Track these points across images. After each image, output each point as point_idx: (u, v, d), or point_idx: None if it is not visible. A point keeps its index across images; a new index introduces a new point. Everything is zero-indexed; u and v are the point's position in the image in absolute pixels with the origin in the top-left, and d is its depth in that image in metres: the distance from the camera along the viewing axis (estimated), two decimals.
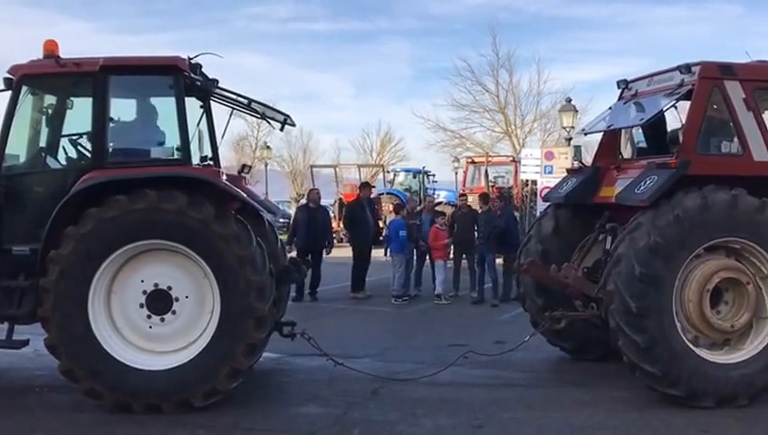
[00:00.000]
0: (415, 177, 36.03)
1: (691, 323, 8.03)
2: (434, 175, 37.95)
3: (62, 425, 7.37)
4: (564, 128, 21.28)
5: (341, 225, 21.01)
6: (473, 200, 20.44)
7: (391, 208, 22.32)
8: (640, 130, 9.90)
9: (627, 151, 10.24)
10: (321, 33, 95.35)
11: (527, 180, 21.10)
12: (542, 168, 18.32)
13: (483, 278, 15.64)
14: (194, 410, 7.53)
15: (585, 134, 11.16)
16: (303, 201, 18.00)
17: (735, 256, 8.29)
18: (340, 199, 29.05)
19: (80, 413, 7.59)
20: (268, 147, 42.67)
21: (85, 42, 78.46)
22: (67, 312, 7.54)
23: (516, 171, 26.59)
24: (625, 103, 9.74)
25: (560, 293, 9.35)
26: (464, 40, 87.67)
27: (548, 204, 16.72)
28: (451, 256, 16.33)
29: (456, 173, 42.07)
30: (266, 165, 41.79)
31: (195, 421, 7.35)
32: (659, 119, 9.14)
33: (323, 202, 17.32)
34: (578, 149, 11.14)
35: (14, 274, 8.07)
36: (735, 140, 8.60)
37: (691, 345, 7.99)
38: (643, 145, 10.01)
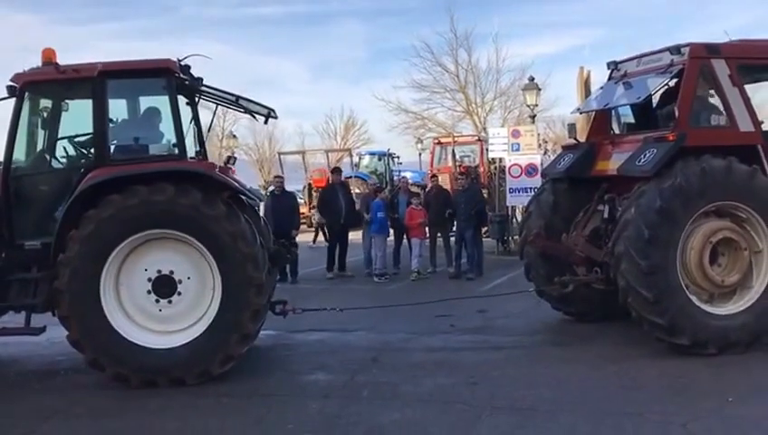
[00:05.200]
0: (380, 159, 36.51)
1: (687, 270, 8.87)
2: (398, 157, 38.49)
3: (97, 400, 7.97)
4: (528, 106, 22.01)
5: (312, 210, 21.42)
6: (443, 180, 21.22)
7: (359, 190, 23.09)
8: (628, 108, 10.71)
9: (615, 127, 11.08)
10: (271, 17, 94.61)
11: (493, 158, 21.77)
12: (510, 145, 19.02)
13: (460, 254, 16.34)
14: (214, 380, 8.19)
15: (580, 113, 11.98)
16: (271, 188, 18.53)
17: (739, 226, 9.13)
18: (309, 185, 29.40)
19: (109, 390, 8.21)
20: (234, 136, 42.98)
21: (33, 34, 76.74)
22: (83, 308, 8.15)
23: (482, 150, 27.28)
24: (616, 83, 10.52)
25: (564, 261, 10.28)
26: (418, 18, 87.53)
27: (516, 179, 17.70)
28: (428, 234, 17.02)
29: (420, 154, 42.67)
30: (232, 153, 41.86)
31: (217, 390, 8.01)
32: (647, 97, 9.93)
33: (291, 188, 17.88)
34: (572, 126, 11.85)
35: (28, 267, 8.64)
36: (723, 113, 9.45)
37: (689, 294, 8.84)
38: (631, 121, 10.84)
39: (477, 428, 6.69)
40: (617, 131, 10.99)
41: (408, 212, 16.51)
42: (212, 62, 9.34)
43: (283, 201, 16.09)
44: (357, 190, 25.71)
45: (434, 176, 20.54)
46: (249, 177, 47.32)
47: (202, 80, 9.34)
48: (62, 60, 8.82)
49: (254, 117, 10.46)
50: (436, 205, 16.74)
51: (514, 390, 7.81)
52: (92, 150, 8.91)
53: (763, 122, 9.56)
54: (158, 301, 8.44)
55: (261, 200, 11.90)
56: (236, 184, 9.24)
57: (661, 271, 8.63)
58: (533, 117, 21.95)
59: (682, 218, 8.77)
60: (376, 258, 16.36)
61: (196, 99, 9.66)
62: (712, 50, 9.45)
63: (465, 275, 16.02)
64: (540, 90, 22.65)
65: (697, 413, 6.81)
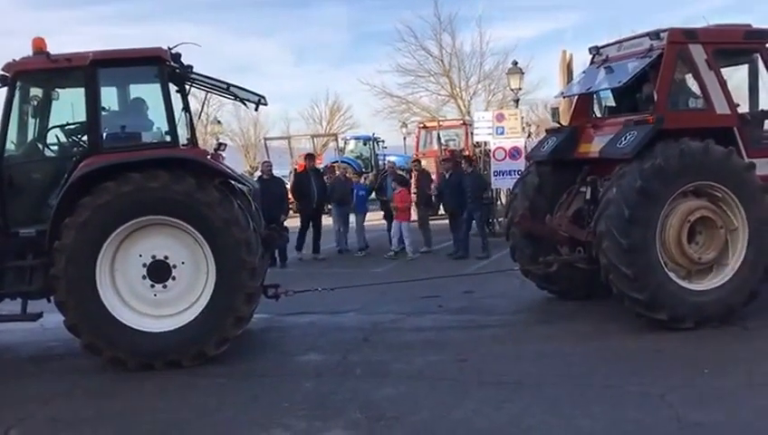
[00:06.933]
0: (365, 144, 36.66)
1: (666, 248, 9.17)
2: (383, 141, 38.64)
3: (95, 383, 8.18)
4: (512, 90, 22.23)
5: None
6: (426, 164, 21.59)
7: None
8: (609, 91, 10.99)
9: (597, 111, 11.38)
10: None
11: (478, 142, 22.05)
12: (494, 129, 19.25)
13: (467, 235, 16.71)
14: (210, 362, 8.43)
15: (563, 97, 12.25)
16: (258, 173, 18.88)
17: (716, 205, 9.44)
18: (295, 170, 29.50)
19: (106, 373, 8.42)
20: (219, 122, 42.92)
21: (6, 18, 75.21)
22: (79, 294, 8.33)
23: (467, 134, 27.46)
24: (597, 68, 10.82)
25: (548, 241, 10.62)
26: (401, 1, 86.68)
27: (500, 163, 18.01)
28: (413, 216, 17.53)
29: (405, 138, 42.78)
30: (218, 139, 41.71)
31: (213, 372, 8.27)
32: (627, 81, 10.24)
33: (278, 173, 18.27)
34: (555, 110, 12.16)
35: (23, 254, 8.81)
36: (700, 96, 9.76)
37: (668, 271, 9.15)
38: (612, 104, 11.14)
39: (465, 402, 6.95)
40: (598, 115, 11.28)
41: (400, 194, 16.99)
42: (194, 47, 9.51)
43: (271, 186, 16.28)
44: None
45: (416, 161, 20.85)
46: (235, 162, 47.06)
47: (192, 68, 9.52)
48: None
49: (245, 104, 10.60)
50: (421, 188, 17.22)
51: (501, 366, 8.11)
52: (85, 139, 9.06)
53: (738, 105, 9.87)
54: (153, 286, 8.63)
55: (252, 186, 12.09)
56: (228, 170, 9.45)
57: (641, 249, 8.93)
58: (517, 101, 22.18)
59: (661, 198, 9.07)
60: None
61: (187, 87, 9.81)
62: (689, 35, 9.74)
63: (453, 256, 16.36)
64: (523, 73, 22.85)
65: (675, 385, 7.11)
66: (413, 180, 18.92)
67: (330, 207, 18.62)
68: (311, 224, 17.37)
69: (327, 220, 18.31)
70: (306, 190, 17.23)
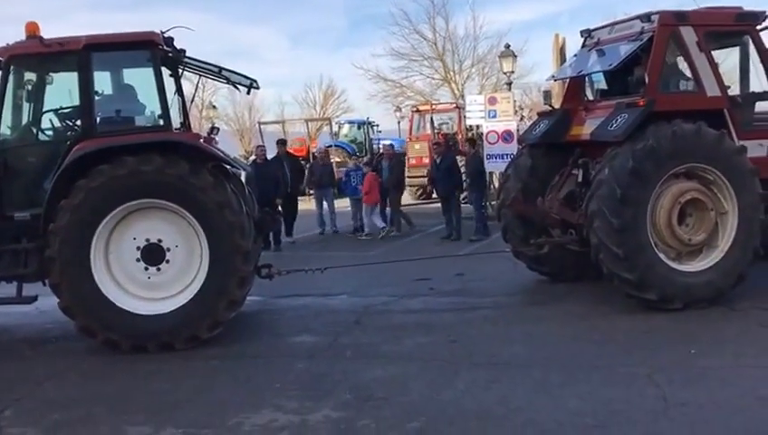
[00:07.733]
0: (359, 128, 36.66)
1: (657, 229, 9.27)
2: (378, 125, 38.63)
3: (89, 365, 8.27)
4: (505, 73, 22.20)
5: None
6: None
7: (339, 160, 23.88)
8: (601, 74, 11.04)
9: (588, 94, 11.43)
10: None
11: (471, 126, 22.07)
12: (486, 112, 19.23)
13: (483, 216, 16.87)
14: (203, 345, 8.51)
15: (555, 80, 12.32)
16: (253, 157, 18.97)
17: (707, 187, 9.52)
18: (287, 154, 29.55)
19: (100, 355, 8.50)
20: (214, 106, 42.91)
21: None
22: (74, 276, 8.39)
23: (460, 117, 27.48)
24: (589, 51, 10.87)
25: (539, 223, 10.72)
26: None
27: (492, 146, 18.08)
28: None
29: (399, 122, 42.82)
30: (213, 124, 41.75)
31: (206, 354, 8.35)
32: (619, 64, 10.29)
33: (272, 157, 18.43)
34: (547, 93, 12.23)
35: (18, 237, 8.86)
36: (691, 78, 9.82)
37: (658, 251, 9.24)
38: (604, 87, 11.19)
39: (455, 382, 7.04)
40: (590, 98, 11.33)
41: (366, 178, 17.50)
42: (189, 33, 9.52)
43: (265, 170, 16.35)
44: (337, 159, 26.08)
45: (390, 144, 20.99)
46: (230, 147, 47.00)
47: (185, 51, 9.53)
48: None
49: (237, 88, 10.65)
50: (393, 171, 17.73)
51: (491, 347, 8.21)
52: (79, 123, 9.08)
53: (729, 87, 9.94)
54: (146, 269, 8.69)
55: (245, 170, 12.19)
56: (221, 154, 9.50)
57: (632, 229, 9.01)
58: (510, 84, 22.18)
59: (653, 179, 9.14)
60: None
61: (180, 70, 9.82)
62: (680, 17, 9.79)
63: (448, 238, 16.50)
64: (516, 57, 22.79)
65: (662, 365, 7.19)
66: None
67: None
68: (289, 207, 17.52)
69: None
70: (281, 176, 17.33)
